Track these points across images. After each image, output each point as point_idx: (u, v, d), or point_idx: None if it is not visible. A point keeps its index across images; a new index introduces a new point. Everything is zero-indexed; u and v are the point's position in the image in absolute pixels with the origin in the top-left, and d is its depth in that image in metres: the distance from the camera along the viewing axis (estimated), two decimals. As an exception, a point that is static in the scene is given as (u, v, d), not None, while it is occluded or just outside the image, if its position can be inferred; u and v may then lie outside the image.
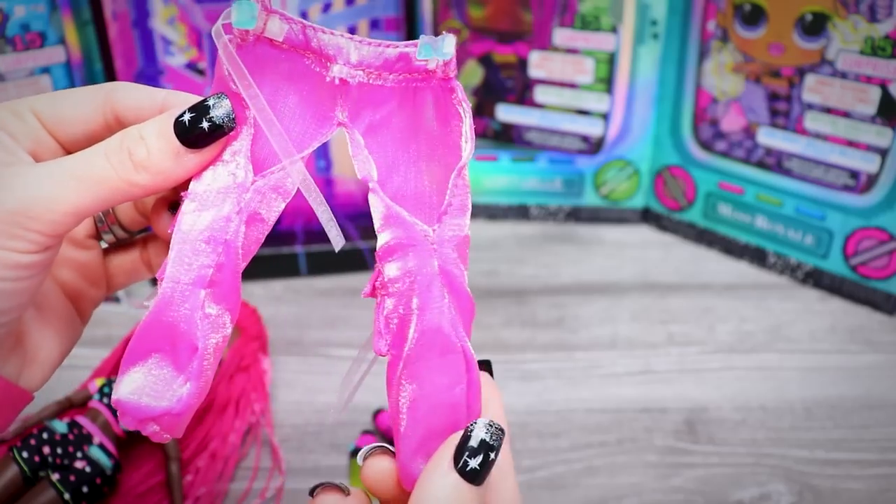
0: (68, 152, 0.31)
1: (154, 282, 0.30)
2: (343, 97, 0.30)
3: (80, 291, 0.34)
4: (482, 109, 0.77)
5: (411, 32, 0.64)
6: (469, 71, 0.76)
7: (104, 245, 0.36)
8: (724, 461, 0.52)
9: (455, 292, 0.29)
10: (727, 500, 0.49)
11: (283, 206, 0.30)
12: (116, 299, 0.66)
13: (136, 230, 0.35)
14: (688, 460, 0.52)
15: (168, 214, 0.32)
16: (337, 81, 0.29)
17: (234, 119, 0.29)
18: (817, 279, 0.69)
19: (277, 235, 0.71)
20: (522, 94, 0.75)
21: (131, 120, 0.30)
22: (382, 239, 0.29)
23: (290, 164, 0.30)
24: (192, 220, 0.29)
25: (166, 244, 0.35)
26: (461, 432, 0.27)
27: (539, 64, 0.74)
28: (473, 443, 0.26)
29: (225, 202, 0.29)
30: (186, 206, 0.29)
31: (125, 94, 0.30)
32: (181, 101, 0.30)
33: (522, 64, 0.74)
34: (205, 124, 0.28)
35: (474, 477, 0.26)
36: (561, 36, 0.72)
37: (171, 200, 0.32)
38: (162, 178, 0.28)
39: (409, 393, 0.29)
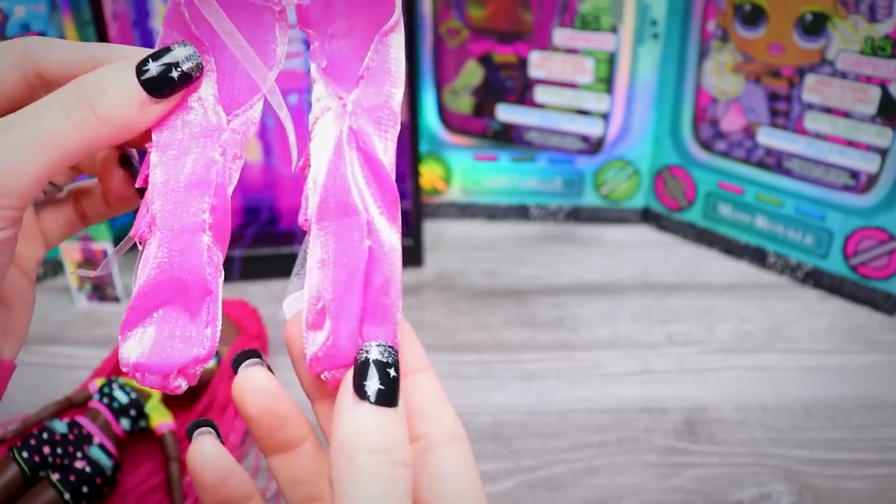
0: None
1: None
2: (301, 20, 0.29)
3: (20, 254, 0.33)
4: (482, 109, 0.77)
5: (411, 32, 0.64)
6: (469, 71, 0.76)
7: (33, 203, 0.34)
8: (724, 461, 0.52)
9: (366, 158, 0.28)
10: (727, 500, 0.49)
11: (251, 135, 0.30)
12: (116, 299, 0.66)
13: (64, 184, 0.34)
14: (688, 460, 0.52)
15: (119, 169, 0.31)
16: (292, 8, 0.29)
17: (201, 66, 0.28)
18: (817, 279, 0.69)
19: (277, 235, 0.71)
20: (522, 94, 0.75)
21: (59, 77, 0.29)
22: (314, 110, 0.29)
23: (267, 92, 0.29)
24: (170, 170, 0.28)
25: (102, 196, 0.34)
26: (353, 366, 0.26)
27: (539, 64, 0.74)
28: (368, 367, 0.25)
29: (206, 146, 0.28)
30: (154, 158, 0.28)
31: (47, 50, 0.29)
32: (116, 54, 0.29)
33: (522, 64, 0.74)
34: (174, 73, 0.27)
35: (385, 399, 0.25)
36: (561, 36, 0.72)
37: (120, 154, 0.31)
38: (125, 131, 0.27)
39: (315, 255, 0.28)
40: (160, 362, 0.27)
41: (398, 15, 0.28)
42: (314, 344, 0.27)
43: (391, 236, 0.27)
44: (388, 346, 0.26)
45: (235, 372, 0.28)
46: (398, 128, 0.28)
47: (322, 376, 0.27)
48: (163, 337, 0.27)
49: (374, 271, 0.27)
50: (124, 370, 0.27)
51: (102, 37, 0.61)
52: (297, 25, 0.29)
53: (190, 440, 0.28)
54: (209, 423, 0.29)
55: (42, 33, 0.62)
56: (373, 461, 0.24)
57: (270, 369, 0.29)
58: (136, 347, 0.27)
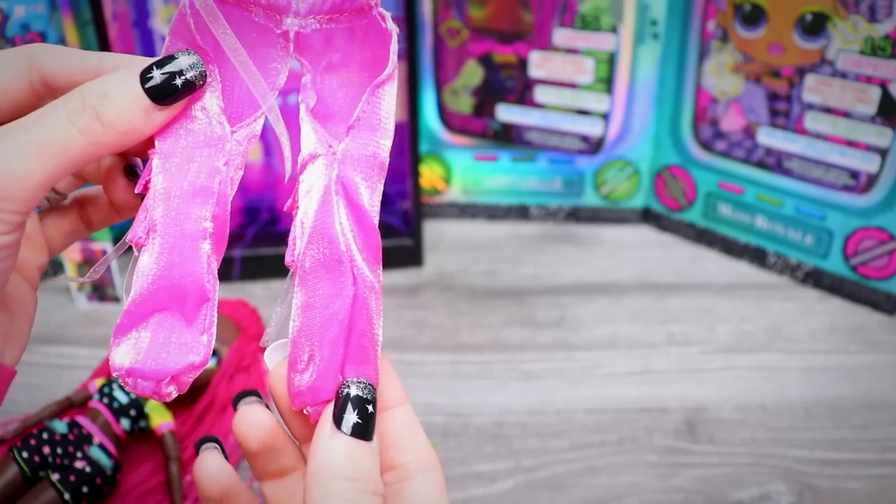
0: None
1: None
2: (298, 47, 0.30)
3: (23, 261, 0.33)
4: (482, 109, 0.77)
5: (411, 32, 0.64)
6: (469, 71, 0.76)
7: (36, 210, 0.35)
8: (724, 461, 0.52)
9: (352, 207, 0.29)
10: (727, 500, 0.49)
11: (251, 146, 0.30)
12: (116, 299, 0.66)
13: (69, 192, 0.35)
14: (688, 460, 0.52)
15: (124, 178, 0.31)
16: (292, 34, 0.29)
17: (204, 75, 0.28)
18: (817, 279, 0.69)
19: (277, 235, 0.71)
20: (522, 94, 0.75)
21: (63, 84, 0.29)
22: (302, 153, 0.29)
23: (267, 110, 0.29)
24: (172, 177, 0.28)
25: (107, 204, 0.34)
26: (334, 400, 0.27)
27: (539, 64, 0.74)
28: (348, 402, 0.27)
29: (210, 156, 0.28)
30: (156, 165, 0.28)
31: (52, 58, 0.29)
32: (120, 62, 0.29)
33: (522, 64, 0.74)
34: (178, 81, 0.28)
35: (361, 432, 0.26)
36: (561, 36, 0.72)
37: (125, 164, 0.32)
38: (129, 138, 0.28)
39: (299, 299, 0.29)
40: (155, 367, 0.27)
41: (392, 68, 0.29)
42: (297, 382, 0.28)
43: (373, 280, 0.28)
44: (368, 384, 0.28)
45: (235, 409, 0.30)
46: (384, 176, 0.29)
47: (304, 411, 0.28)
48: (158, 342, 0.27)
49: (357, 316, 0.28)
50: (115, 374, 0.27)
51: (102, 37, 0.61)
52: (293, 53, 0.30)
53: (198, 454, 0.30)
54: (215, 440, 0.31)
55: (42, 33, 0.62)
56: (346, 488, 0.26)
57: (268, 406, 0.30)
58: (129, 352, 0.27)
